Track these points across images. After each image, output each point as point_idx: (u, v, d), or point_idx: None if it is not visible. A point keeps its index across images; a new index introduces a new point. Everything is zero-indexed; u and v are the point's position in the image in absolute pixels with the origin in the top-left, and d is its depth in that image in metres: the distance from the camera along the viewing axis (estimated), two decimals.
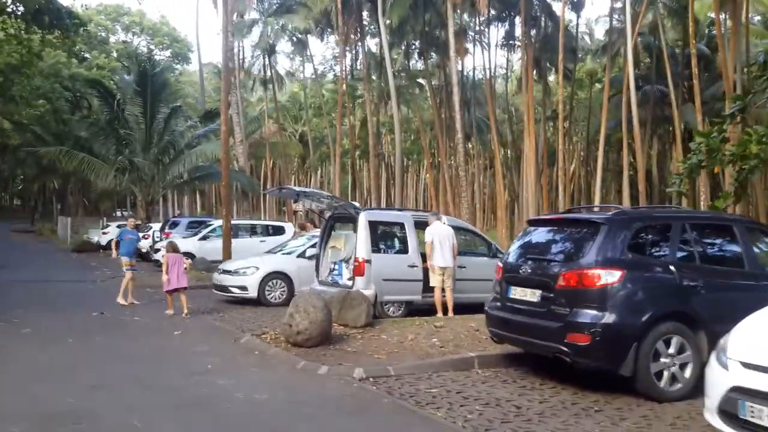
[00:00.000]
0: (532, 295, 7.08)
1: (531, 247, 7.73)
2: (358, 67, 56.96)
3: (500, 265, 7.80)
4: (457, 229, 12.43)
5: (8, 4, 31.73)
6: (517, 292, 7.31)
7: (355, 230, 11.78)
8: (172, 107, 29.57)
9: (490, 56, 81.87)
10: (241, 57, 45.19)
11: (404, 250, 11.76)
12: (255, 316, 12.01)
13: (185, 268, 12.41)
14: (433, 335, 9.28)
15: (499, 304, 7.61)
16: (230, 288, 13.60)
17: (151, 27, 54.27)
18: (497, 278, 7.77)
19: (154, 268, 22.10)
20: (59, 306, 13.20)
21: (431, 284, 11.34)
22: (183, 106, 31.47)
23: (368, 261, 11.18)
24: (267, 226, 24.07)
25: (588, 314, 6.44)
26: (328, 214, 12.72)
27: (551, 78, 51.99)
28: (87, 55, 51.85)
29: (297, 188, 13.91)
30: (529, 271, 7.22)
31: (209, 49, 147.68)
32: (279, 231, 23.41)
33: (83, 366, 7.78)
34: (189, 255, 21.60)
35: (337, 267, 12.20)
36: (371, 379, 7.09)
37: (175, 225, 25.38)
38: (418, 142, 60.97)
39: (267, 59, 46.67)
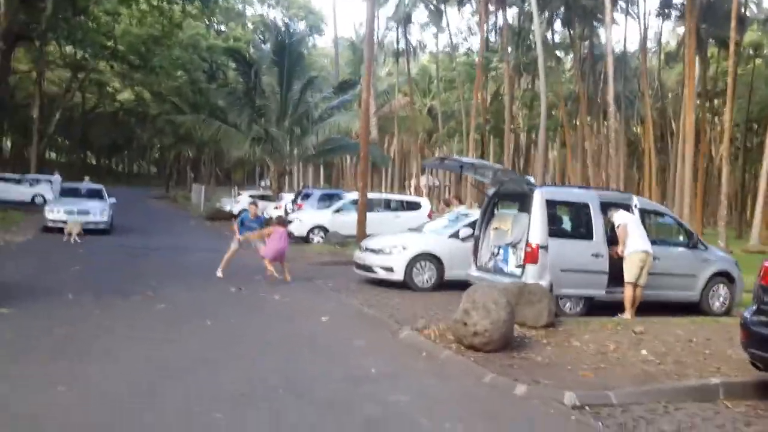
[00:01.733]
0: None
1: None
2: (492, 40, 54.56)
3: (767, 264, 5.80)
4: (650, 212, 10.39)
5: None
6: None
7: (525, 210, 10.03)
8: (308, 77, 28.75)
9: (643, 25, 76.21)
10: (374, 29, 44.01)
11: (587, 235, 9.83)
12: (405, 303, 10.53)
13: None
14: (639, 345, 7.42)
15: (765, 318, 5.63)
16: (374, 268, 12.20)
17: None
18: (761, 282, 5.78)
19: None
20: (195, 278, 12.35)
21: (627, 278, 9.38)
22: (318, 77, 30.59)
23: (543, 247, 9.40)
24: (402, 201, 22.73)
25: None
26: (490, 192, 11.00)
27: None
28: (224, 28, 52.71)
29: (463, 159, 12.16)
30: None
31: (342, 21, 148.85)
32: (414, 206, 22.08)
33: (226, 361, 6.53)
34: (322, 228, 20.75)
35: (501, 252, 10.49)
36: (587, 408, 5.37)
37: (307, 197, 24.53)
38: (553, 117, 57.70)
39: (401, 30, 45.17)
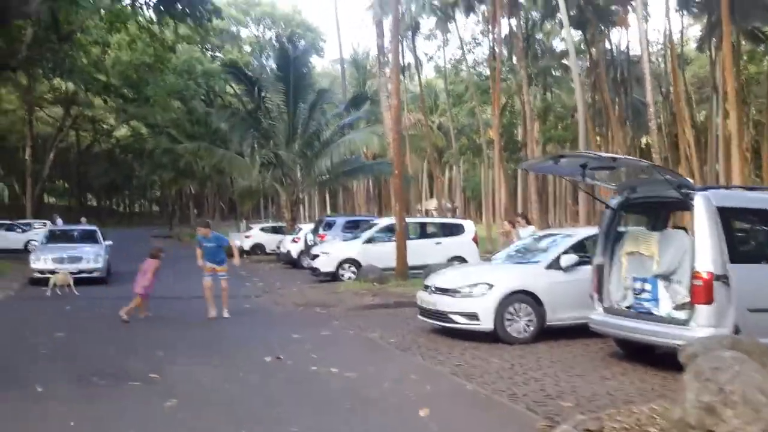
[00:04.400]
0: None
1: None
2: (497, 51, 51.87)
3: None
4: None
5: None
6: None
7: (660, 223, 7.12)
8: (319, 90, 26.11)
9: (669, 22, 73.70)
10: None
11: None
12: (512, 368, 7.51)
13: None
14: None
15: None
16: (450, 315, 9.14)
17: (283, 17, 51.75)
18: None
19: (311, 277, 18.37)
20: (213, 341, 9.36)
21: None
22: (329, 91, 27.81)
23: (722, 277, 6.41)
24: (442, 224, 19.73)
25: None
26: (615, 200, 8.01)
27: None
28: (219, 54, 50.28)
29: (590, 152, 8.90)
30: None
31: (340, 40, 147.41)
32: (456, 230, 19.14)
33: None
34: (353, 262, 17.78)
35: (645, 287, 7.47)
36: None
37: (329, 226, 21.56)
38: (569, 129, 54.81)
39: (407, 43, 42.55)
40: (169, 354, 8.26)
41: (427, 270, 16.46)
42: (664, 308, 7.17)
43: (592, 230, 9.90)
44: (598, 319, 7.79)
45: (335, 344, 9.03)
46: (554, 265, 9.13)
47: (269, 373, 7.29)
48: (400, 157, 16.62)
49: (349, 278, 17.35)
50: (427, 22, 46.10)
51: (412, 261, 16.51)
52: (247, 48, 53.93)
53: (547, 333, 8.99)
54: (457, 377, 7.05)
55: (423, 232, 19.34)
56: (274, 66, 28.74)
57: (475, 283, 9.10)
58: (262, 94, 26.72)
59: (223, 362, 7.85)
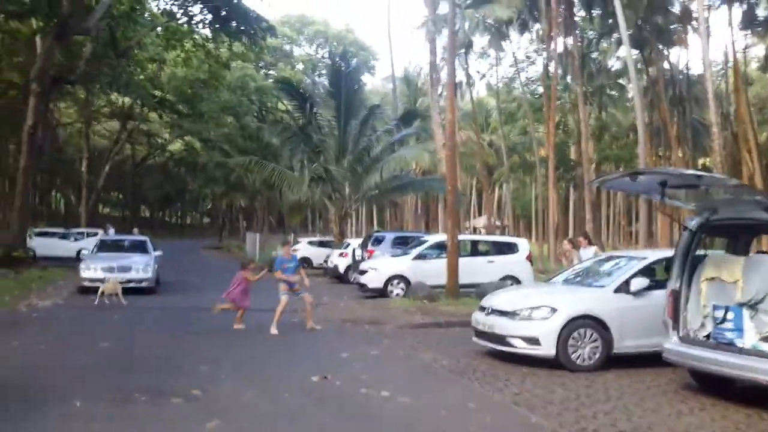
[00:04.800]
0: None
1: None
2: (551, 70, 51.02)
3: None
4: None
5: (196, 14, 30.10)
6: None
7: (741, 247, 6.46)
8: (370, 107, 25.84)
9: (733, 41, 71.97)
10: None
11: None
12: (573, 395, 6.98)
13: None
14: None
15: None
16: (509, 339, 8.59)
17: (336, 36, 52.06)
18: None
19: (358, 293, 17.97)
20: (259, 357, 9.02)
21: None
22: (380, 106, 27.54)
23: None
24: (496, 242, 19.14)
25: None
26: (693, 221, 7.38)
27: None
28: (272, 72, 50.80)
29: (674, 170, 8.17)
30: None
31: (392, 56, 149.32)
32: (510, 249, 18.55)
33: None
34: (402, 279, 17.33)
35: (729, 315, 6.81)
36: None
37: (378, 242, 21.17)
38: (626, 148, 53.44)
39: (462, 58, 42.18)
40: (214, 369, 7.93)
41: (479, 289, 15.93)
42: (750, 339, 6.50)
43: (663, 253, 9.27)
44: (673, 348, 7.15)
45: (385, 365, 8.58)
46: (623, 288, 8.51)
47: (316, 395, 6.88)
48: (454, 171, 16.14)
49: (398, 295, 16.91)
50: (480, 41, 45.69)
51: (463, 279, 15.98)
52: (300, 66, 54.40)
53: (614, 361, 8.38)
54: (519, 407, 6.52)
55: (475, 249, 18.77)
56: (326, 83, 28.54)
57: (537, 305, 8.54)
58: (314, 110, 26.62)
59: (269, 380, 7.48)
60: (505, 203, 66.33)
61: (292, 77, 46.64)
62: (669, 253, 9.77)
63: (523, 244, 18.60)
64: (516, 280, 17.51)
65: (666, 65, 44.22)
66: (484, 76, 54.98)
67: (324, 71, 54.49)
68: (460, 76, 47.29)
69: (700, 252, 7.40)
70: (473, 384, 7.55)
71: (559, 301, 8.54)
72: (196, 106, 40.40)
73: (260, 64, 47.15)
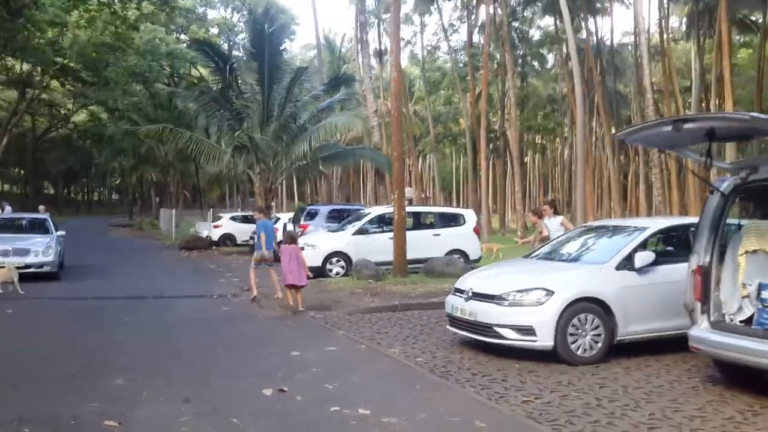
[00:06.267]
0: None
1: None
2: (475, 40, 50.04)
3: None
4: None
5: None
6: None
7: None
8: (297, 68, 23.79)
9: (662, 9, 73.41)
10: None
11: None
12: (592, 400, 5.67)
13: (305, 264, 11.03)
14: None
15: None
16: (496, 329, 7.17)
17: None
18: None
19: None
20: (191, 364, 7.27)
21: None
22: (308, 69, 25.42)
23: None
24: (441, 213, 17.80)
25: None
26: (725, 183, 6.13)
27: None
28: (185, 36, 47.48)
29: (730, 114, 6.47)
30: None
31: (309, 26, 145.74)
32: (455, 220, 17.28)
33: None
34: (343, 255, 15.77)
35: None
36: None
37: (312, 216, 19.49)
38: (551, 116, 53.38)
39: (382, 26, 40.50)
40: (135, 384, 6.15)
41: (427, 265, 14.64)
42: None
43: (667, 221, 8.10)
44: (703, 336, 5.94)
45: (349, 366, 7.02)
46: (625, 264, 7.25)
47: (275, 420, 5.22)
48: (399, 137, 14.58)
49: (337, 274, 15.40)
50: (404, 7, 44.22)
51: (408, 255, 14.60)
52: (215, 30, 51.28)
53: (617, 350, 7.16)
54: (537, 422, 5.12)
55: (419, 222, 17.37)
56: (247, 44, 26.29)
57: (529, 287, 7.16)
58: (235, 73, 24.35)
59: (209, 398, 5.77)
60: (432, 175, 65.52)
61: (206, 41, 43.70)
62: (675, 221, 8.67)
63: (470, 216, 17.35)
64: (464, 254, 16.33)
65: (586, 35, 44.04)
66: (408, 42, 53.16)
67: (241, 35, 51.60)
68: (385, 42, 45.86)
69: (733, 220, 6.19)
70: (465, 389, 6.10)
71: (555, 282, 7.18)
72: (101, 73, 36.99)
73: (172, 27, 43.80)
